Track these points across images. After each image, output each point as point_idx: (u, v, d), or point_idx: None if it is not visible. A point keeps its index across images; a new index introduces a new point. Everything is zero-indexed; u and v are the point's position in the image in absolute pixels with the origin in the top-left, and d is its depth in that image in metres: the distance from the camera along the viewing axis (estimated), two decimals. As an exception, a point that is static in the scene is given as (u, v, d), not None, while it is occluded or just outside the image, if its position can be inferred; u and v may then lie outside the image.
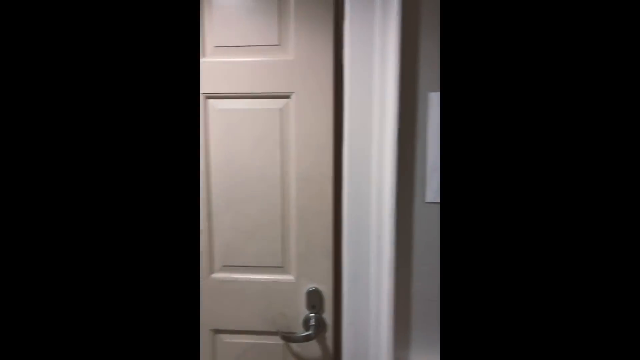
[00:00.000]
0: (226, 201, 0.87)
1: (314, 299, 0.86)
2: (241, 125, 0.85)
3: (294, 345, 0.88)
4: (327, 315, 0.87)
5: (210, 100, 0.86)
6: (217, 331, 0.91)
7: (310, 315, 0.86)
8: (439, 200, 0.75)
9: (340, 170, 0.79)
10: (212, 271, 0.89)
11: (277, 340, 0.89)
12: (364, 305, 0.76)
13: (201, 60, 0.83)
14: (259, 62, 0.82)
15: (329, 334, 0.87)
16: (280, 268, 0.88)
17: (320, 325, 0.86)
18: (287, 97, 0.84)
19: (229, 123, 0.85)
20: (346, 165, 0.74)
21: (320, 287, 0.86)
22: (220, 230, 0.88)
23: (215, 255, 0.89)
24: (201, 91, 0.85)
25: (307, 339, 0.84)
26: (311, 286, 0.86)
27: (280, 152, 0.85)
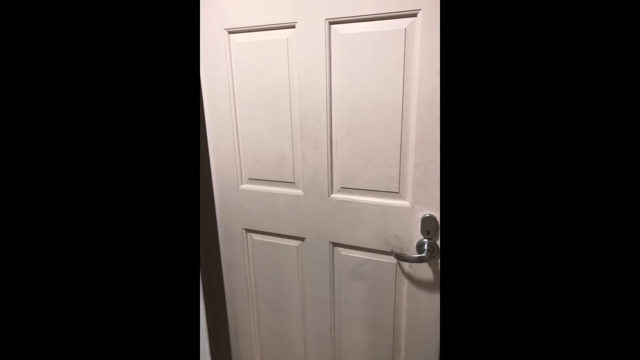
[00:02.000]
0: (346, 127, 0.91)
1: (429, 225, 0.88)
2: (363, 50, 0.84)
3: (405, 265, 0.94)
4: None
5: (334, 26, 0.86)
6: (335, 244, 1.01)
7: (424, 240, 0.89)
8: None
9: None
10: (331, 192, 0.98)
11: (389, 259, 0.96)
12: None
13: (327, -18, 0.83)
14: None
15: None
16: (396, 194, 0.91)
17: (433, 250, 0.88)
18: (414, 15, 0.78)
19: (351, 48, 0.85)
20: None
21: (436, 215, 0.87)
22: (339, 155, 0.94)
23: (335, 178, 0.97)
24: (324, 17, 0.86)
25: (419, 260, 0.88)
26: (427, 213, 0.88)
27: (403, 76, 0.83)
